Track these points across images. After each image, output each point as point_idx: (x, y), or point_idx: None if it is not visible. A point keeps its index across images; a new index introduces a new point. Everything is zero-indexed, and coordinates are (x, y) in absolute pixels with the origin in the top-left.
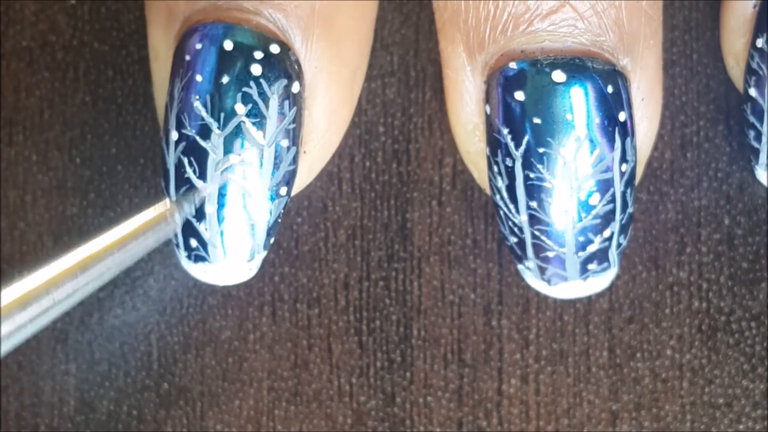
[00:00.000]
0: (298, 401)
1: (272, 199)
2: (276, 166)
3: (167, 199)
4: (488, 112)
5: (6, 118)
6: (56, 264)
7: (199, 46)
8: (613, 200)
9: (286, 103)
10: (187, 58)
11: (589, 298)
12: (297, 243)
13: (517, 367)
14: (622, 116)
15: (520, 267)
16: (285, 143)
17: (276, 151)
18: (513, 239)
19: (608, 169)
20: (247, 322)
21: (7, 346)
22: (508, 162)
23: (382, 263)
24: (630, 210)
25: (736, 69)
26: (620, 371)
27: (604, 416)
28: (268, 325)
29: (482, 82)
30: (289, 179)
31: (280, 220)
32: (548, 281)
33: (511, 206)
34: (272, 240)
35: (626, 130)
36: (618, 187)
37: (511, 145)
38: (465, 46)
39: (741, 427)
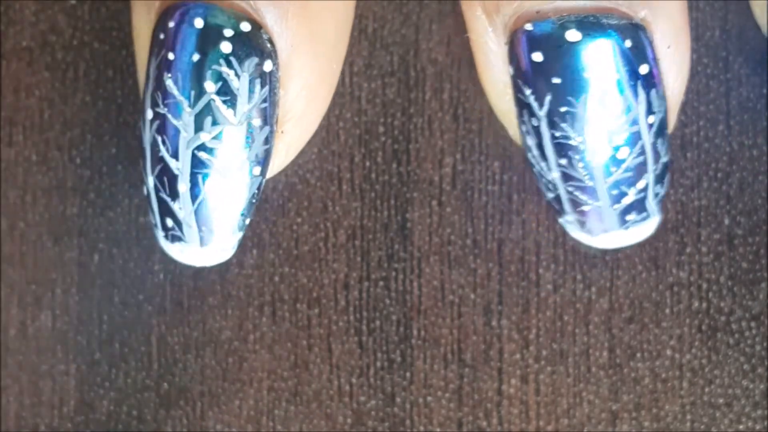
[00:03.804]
0: (298, 401)
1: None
2: (248, 145)
3: None
4: (512, 73)
5: (6, 118)
6: None
7: (171, 24)
8: (643, 152)
9: (258, 81)
10: (162, 36)
11: (589, 298)
12: (297, 243)
13: (517, 367)
14: (644, 69)
15: (561, 220)
16: (257, 122)
17: (248, 130)
18: (550, 195)
19: (634, 123)
20: (247, 322)
21: None
22: (534, 122)
23: (382, 263)
24: (664, 159)
25: (761, 18)
26: (620, 371)
27: (604, 416)
28: (268, 325)
29: (504, 43)
30: (263, 159)
31: (255, 201)
32: (590, 232)
33: (543, 164)
34: (248, 221)
35: (650, 82)
36: (647, 139)
37: (535, 105)
38: (483, 8)
39: (741, 427)
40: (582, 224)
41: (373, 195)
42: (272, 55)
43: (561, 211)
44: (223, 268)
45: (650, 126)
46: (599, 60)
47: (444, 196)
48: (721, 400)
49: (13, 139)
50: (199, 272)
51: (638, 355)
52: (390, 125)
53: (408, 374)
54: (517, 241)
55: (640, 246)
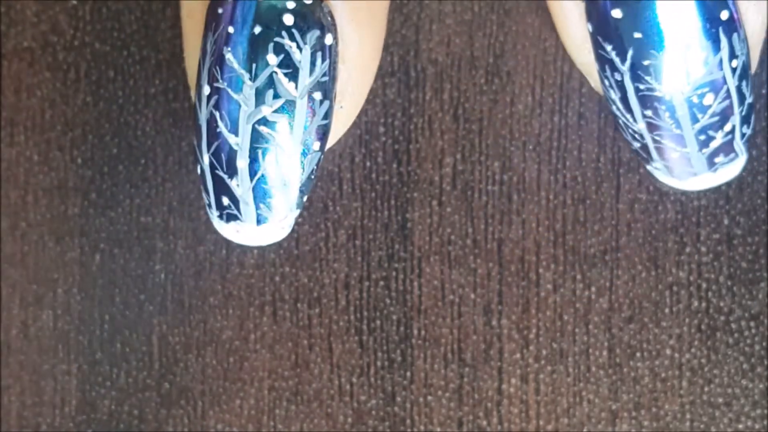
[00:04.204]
0: (298, 401)
1: (304, 154)
2: (308, 119)
3: None
4: (591, 30)
5: (7, 118)
6: None
7: None
8: (728, 96)
9: (319, 54)
10: (220, 11)
11: (589, 298)
12: (297, 243)
13: (517, 366)
14: (724, 15)
15: (648, 168)
16: (318, 96)
17: (308, 104)
18: (636, 144)
19: (718, 69)
20: (248, 321)
21: None
22: (617, 76)
23: (383, 263)
24: (749, 100)
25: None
26: (620, 371)
27: (604, 416)
28: (269, 324)
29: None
30: (322, 134)
31: (313, 178)
32: (678, 177)
33: (628, 116)
34: (305, 198)
35: (731, 26)
36: (731, 82)
37: (617, 60)
38: None
39: (740, 426)
40: (670, 170)
41: (373, 195)
42: (332, 28)
43: (648, 159)
44: (223, 267)
45: (734, 70)
46: (680, 11)
47: (444, 196)
48: (720, 400)
49: (14, 139)
50: (200, 272)
51: (638, 354)
52: (390, 125)
53: (408, 374)
54: (517, 241)
55: (640, 246)
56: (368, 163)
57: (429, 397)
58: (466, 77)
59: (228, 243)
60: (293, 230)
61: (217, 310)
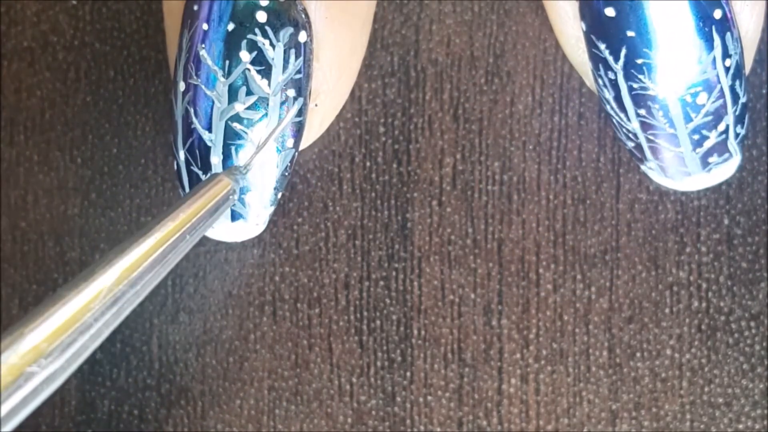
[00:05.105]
0: (298, 401)
1: (278, 151)
2: (282, 117)
3: (220, 176)
4: (584, 29)
5: (7, 118)
6: (135, 250)
7: None
8: (721, 95)
9: (292, 52)
10: (195, 8)
11: (589, 298)
12: (297, 243)
13: (517, 366)
14: (717, 14)
15: (643, 168)
16: (291, 93)
17: (282, 102)
18: (630, 144)
19: (712, 68)
20: (248, 321)
21: (104, 335)
22: (611, 75)
23: (383, 263)
24: (743, 100)
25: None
26: (620, 371)
27: (604, 416)
28: (269, 324)
29: None
30: (296, 132)
31: (288, 174)
32: (672, 178)
33: (622, 115)
34: (279, 195)
35: (724, 26)
36: (725, 82)
37: (610, 59)
38: None
39: (740, 426)
40: (664, 170)
41: (373, 195)
42: (306, 26)
43: (642, 159)
44: (223, 267)
45: (727, 69)
46: (673, 9)
47: (444, 196)
48: (720, 400)
49: (14, 139)
50: (200, 272)
51: (638, 354)
52: (390, 125)
53: (408, 374)
54: (517, 241)
55: (640, 246)
56: (368, 163)
57: (429, 397)
58: (466, 77)
59: (228, 243)
60: (293, 230)
61: (216, 309)
